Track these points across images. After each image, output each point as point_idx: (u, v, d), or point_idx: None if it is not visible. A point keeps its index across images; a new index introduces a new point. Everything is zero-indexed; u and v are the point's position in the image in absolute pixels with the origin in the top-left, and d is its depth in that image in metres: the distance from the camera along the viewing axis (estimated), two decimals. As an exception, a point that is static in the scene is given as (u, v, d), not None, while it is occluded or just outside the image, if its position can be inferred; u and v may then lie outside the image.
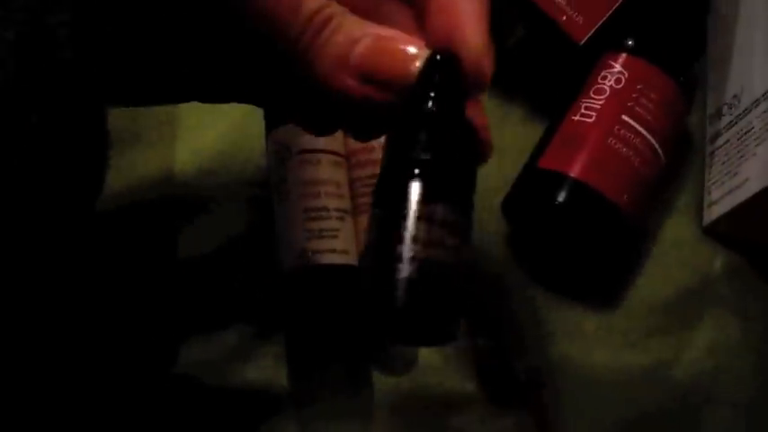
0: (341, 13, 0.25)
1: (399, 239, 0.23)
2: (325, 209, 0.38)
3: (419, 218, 0.23)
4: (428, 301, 0.23)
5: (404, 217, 0.23)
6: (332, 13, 0.24)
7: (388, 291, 0.23)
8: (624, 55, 0.40)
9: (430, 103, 0.24)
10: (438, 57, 0.24)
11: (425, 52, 0.25)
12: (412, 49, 0.25)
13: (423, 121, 0.24)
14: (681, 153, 0.44)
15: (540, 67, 0.44)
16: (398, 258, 0.23)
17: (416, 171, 0.24)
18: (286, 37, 0.24)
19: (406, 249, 0.23)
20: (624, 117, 0.39)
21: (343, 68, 0.24)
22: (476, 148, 0.26)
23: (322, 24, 0.24)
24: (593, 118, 0.39)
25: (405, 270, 0.23)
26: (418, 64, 0.24)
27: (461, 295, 0.24)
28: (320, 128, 0.30)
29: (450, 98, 0.24)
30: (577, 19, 0.40)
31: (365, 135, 0.29)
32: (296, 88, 0.26)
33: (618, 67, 0.40)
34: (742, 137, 0.41)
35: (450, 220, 0.24)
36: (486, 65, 0.25)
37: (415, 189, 0.23)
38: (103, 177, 0.27)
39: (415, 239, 0.23)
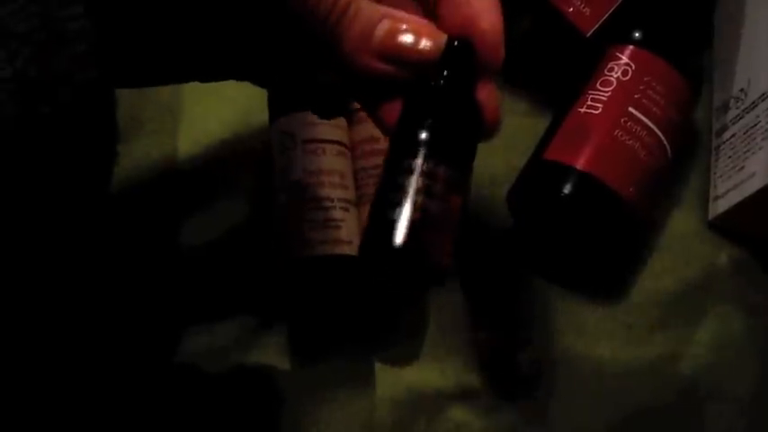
0: None
1: (405, 188, 0.27)
2: (329, 199, 0.38)
3: (424, 173, 0.27)
4: (424, 244, 0.27)
5: (411, 171, 0.27)
6: None
7: (390, 230, 0.26)
8: (631, 47, 0.40)
9: (443, 81, 0.28)
10: (455, 42, 0.28)
11: (438, 33, 0.28)
12: (425, 30, 0.28)
13: (436, 95, 0.28)
14: (687, 146, 0.44)
15: (547, 59, 0.44)
16: (402, 204, 0.26)
17: (426, 135, 0.27)
18: (315, 18, 0.27)
19: (411, 197, 0.27)
20: (631, 109, 0.39)
21: (365, 49, 0.27)
22: (480, 123, 0.29)
23: (345, 7, 0.27)
24: (600, 110, 0.39)
25: (406, 214, 0.26)
26: (430, 44, 0.28)
27: (453, 245, 0.28)
28: (326, 110, 0.32)
29: (461, 77, 0.28)
30: (584, 11, 0.40)
31: (376, 106, 0.31)
32: (321, 65, 0.29)
33: (625, 59, 0.40)
34: (748, 131, 0.41)
35: (450, 179, 0.27)
36: (500, 50, 0.28)
37: (424, 149, 0.27)
38: (112, 168, 0.27)
39: (418, 191, 0.27)
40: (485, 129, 0.29)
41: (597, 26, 0.40)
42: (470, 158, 0.29)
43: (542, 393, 0.40)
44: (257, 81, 0.31)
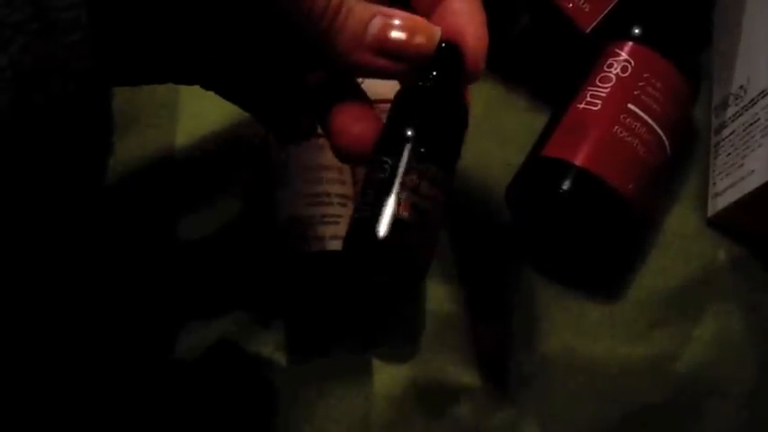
0: None
1: (391, 184, 0.27)
2: (327, 194, 0.38)
3: (409, 170, 0.28)
4: (407, 239, 0.27)
5: (397, 167, 0.28)
6: None
7: (373, 225, 0.27)
8: (630, 43, 0.40)
9: (431, 81, 0.29)
10: (444, 44, 0.29)
11: (431, 27, 0.29)
12: (418, 25, 0.29)
13: (425, 94, 0.29)
14: (686, 144, 0.44)
15: (546, 55, 0.44)
16: (387, 199, 0.27)
17: (413, 132, 0.28)
18: (308, 19, 0.27)
19: (395, 193, 0.27)
20: (630, 106, 0.39)
21: (359, 46, 0.28)
22: (466, 123, 0.30)
23: (337, 8, 0.27)
24: (599, 106, 0.39)
25: (390, 209, 0.27)
26: (425, 38, 0.28)
27: (435, 242, 0.29)
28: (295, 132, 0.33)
29: (449, 78, 0.29)
30: (584, 6, 0.40)
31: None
32: (316, 63, 0.30)
33: (624, 56, 0.40)
34: (748, 128, 0.41)
35: (435, 177, 0.28)
36: (482, 63, 0.30)
37: (410, 145, 0.28)
38: (107, 161, 0.27)
39: (403, 186, 0.27)
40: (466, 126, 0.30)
41: (596, 22, 0.40)
42: (455, 157, 0.30)
43: (541, 391, 0.39)
44: (240, 95, 0.32)
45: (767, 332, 0.41)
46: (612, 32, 0.40)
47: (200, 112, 0.43)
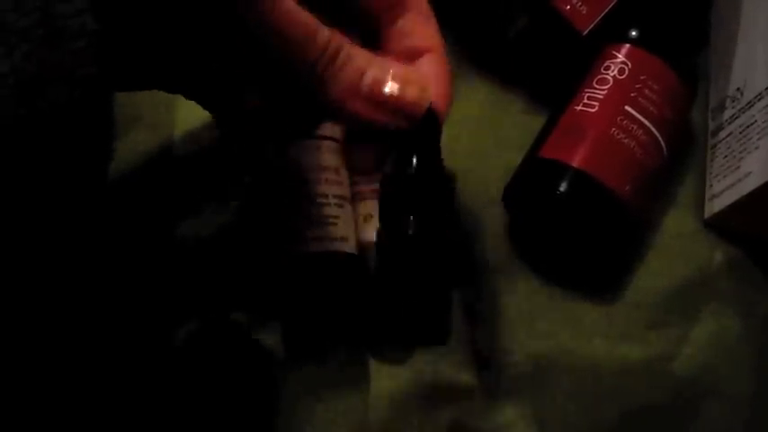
0: (348, 45, 0.28)
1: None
2: (325, 195, 0.38)
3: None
4: (429, 236, 0.32)
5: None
6: (341, 44, 0.27)
7: (404, 228, 0.31)
8: (628, 45, 0.40)
9: (415, 161, 0.31)
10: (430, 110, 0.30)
11: (421, 81, 0.29)
12: (412, 79, 0.29)
13: (413, 177, 0.31)
14: (683, 146, 0.44)
15: (543, 57, 0.44)
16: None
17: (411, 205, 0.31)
18: (305, 61, 0.27)
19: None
20: (627, 107, 0.39)
21: (354, 95, 0.28)
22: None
23: (335, 53, 0.27)
24: (596, 108, 0.39)
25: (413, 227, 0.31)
26: (417, 92, 0.29)
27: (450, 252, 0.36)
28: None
29: (431, 149, 0.32)
30: (581, 9, 0.40)
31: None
32: (308, 105, 0.29)
33: (621, 58, 0.40)
34: (744, 130, 0.41)
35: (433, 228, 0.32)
36: (442, 118, 0.31)
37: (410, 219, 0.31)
38: (108, 165, 0.27)
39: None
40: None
41: (594, 24, 0.40)
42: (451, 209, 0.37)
43: (538, 392, 0.39)
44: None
45: (764, 333, 0.41)
46: (609, 35, 0.41)
47: (200, 113, 0.42)
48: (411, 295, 0.38)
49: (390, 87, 0.28)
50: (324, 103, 0.28)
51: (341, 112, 0.28)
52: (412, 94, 0.29)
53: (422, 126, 0.30)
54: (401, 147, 0.31)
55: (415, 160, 0.31)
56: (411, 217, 0.31)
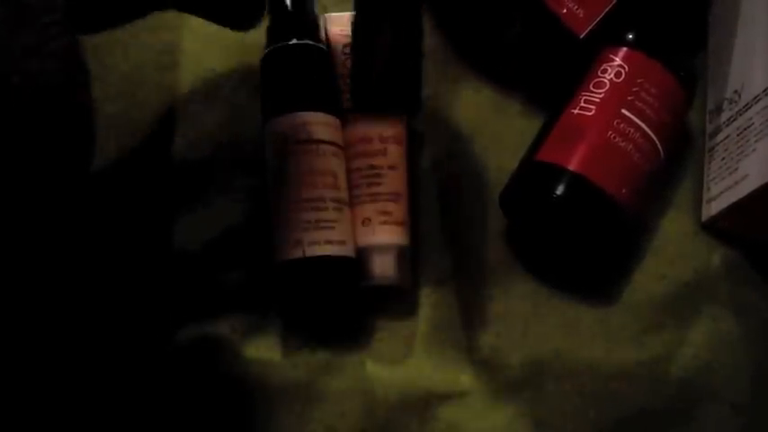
0: None
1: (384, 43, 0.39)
2: (322, 199, 0.38)
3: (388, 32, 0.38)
4: (395, 75, 0.39)
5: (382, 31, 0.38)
6: None
7: (370, 66, 0.39)
8: (624, 49, 0.40)
9: None
10: None
11: None
12: None
13: None
14: (680, 148, 0.44)
15: (540, 61, 0.44)
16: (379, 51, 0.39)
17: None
18: None
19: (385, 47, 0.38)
20: (624, 111, 0.39)
21: None
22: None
23: None
24: (593, 111, 0.39)
25: (382, 56, 0.38)
26: None
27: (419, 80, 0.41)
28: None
29: None
30: (578, 12, 0.40)
31: None
32: None
33: (618, 61, 0.40)
34: (742, 133, 0.41)
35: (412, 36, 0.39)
36: None
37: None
38: (91, 149, 0.27)
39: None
40: None
41: (591, 28, 0.40)
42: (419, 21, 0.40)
43: (534, 395, 0.40)
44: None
45: (761, 336, 0.41)
46: (606, 38, 0.41)
47: (197, 118, 0.43)
48: (385, 56, 0.40)
49: None
50: None
51: None
52: None
53: None
54: None
55: None
56: None
